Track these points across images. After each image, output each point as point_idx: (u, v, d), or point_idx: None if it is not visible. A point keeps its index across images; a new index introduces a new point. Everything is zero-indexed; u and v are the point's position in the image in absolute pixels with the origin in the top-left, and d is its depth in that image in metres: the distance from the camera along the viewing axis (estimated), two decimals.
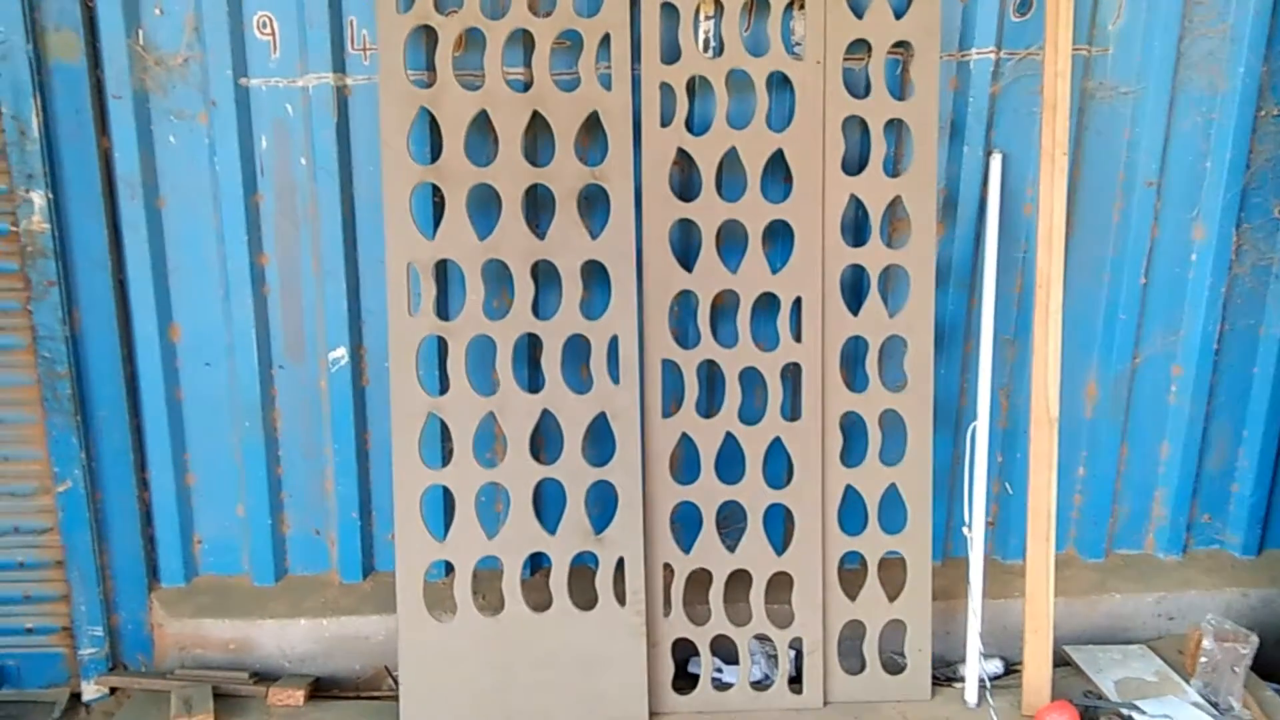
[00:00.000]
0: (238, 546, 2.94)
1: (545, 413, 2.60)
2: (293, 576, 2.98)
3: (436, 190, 2.58)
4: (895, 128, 2.70)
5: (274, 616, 2.83)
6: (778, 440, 2.68)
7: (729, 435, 2.67)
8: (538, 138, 2.65)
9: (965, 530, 2.74)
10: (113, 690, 2.80)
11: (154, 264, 2.68)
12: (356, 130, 2.69)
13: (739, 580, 2.70)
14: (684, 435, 2.67)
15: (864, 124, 2.64)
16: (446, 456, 2.63)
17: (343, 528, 2.92)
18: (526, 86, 2.57)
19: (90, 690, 2.79)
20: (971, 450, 2.72)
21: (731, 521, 2.73)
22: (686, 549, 2.69)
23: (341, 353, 2.78)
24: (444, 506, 2.75)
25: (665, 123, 2.58)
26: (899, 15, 2.59)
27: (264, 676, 2.79)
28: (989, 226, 2.73)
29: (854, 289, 2.78)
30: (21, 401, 2.66)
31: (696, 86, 2.66)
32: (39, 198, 2.54)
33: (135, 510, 2.80)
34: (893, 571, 2.75)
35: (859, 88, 2.67)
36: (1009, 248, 2.84)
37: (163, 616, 2.82)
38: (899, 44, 2.64)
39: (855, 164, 2.68)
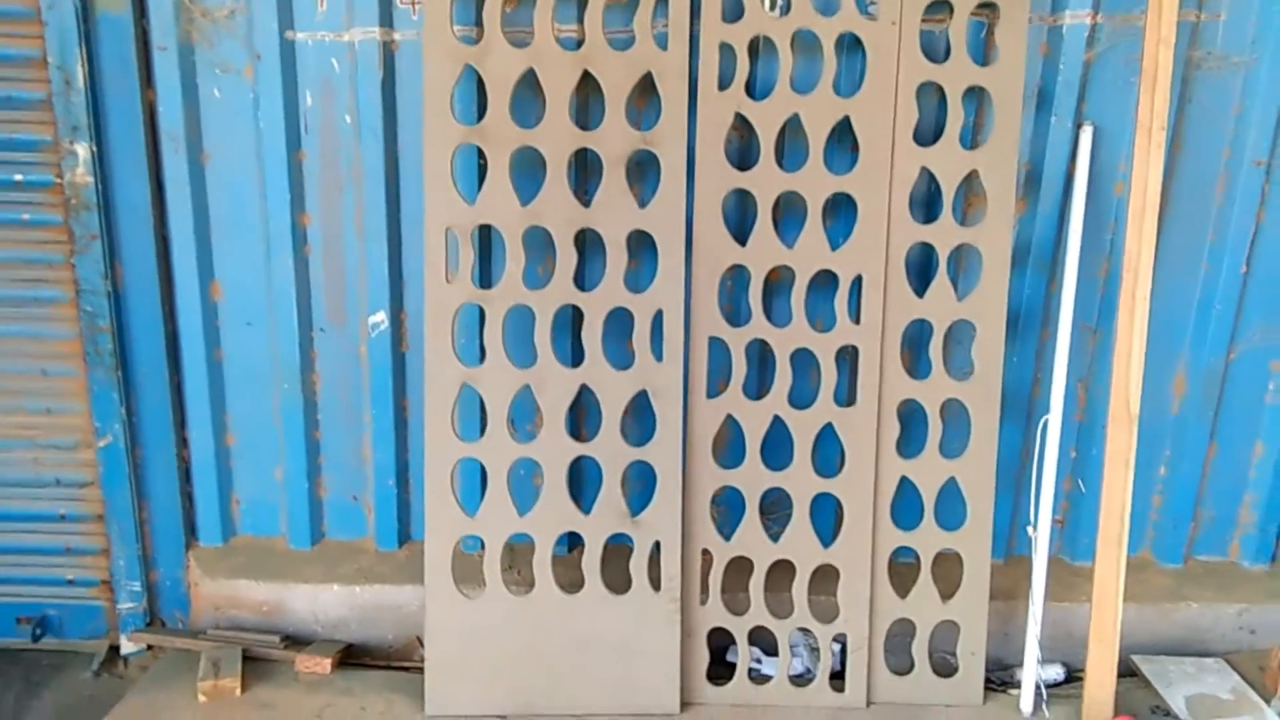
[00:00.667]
0: (275, 508, 2.93)
1: (584, 388, 2.50)
2: (329, 541, 2.96)
3: (482, 153, 2.47)
4: (975, 96, 2.52)
5: (308, 581, 2.81)
6: (829, 426, 2.54)
7: (777, 419, 2.54)
8: (588, 99, 2.53)
9: (1030, 529, 2.58)
10: (149, 646, 2.81)
11: (196, 220, 2.66)
12: (403, 88, 2.61)
13: (781, 570, 2.58)
14: (729, 417, 2.54)
15: (941, 91, 2.46)
16: (484, 428, 2.55)
17: (379, 495, 2.88)
18: (578, 44, 2.44)
19: (128, 644, 2.82)
20: (1042, 444, 2.56)
21: (776, 509, 2.61)
22: (727, 535, 2.57)
23: (381, 317, 2.72)
24: (480, 479, 2.67)
25: (724, 85, 2.43)
26: None
27: (296, 640, 2.78)
28: (1075, 205, 2.55)
29: (921, 269, 2.61)
30: (63, 355, 2.68)
31: (759, 47, 2.50)
32: (83, 150, 2.53)
33: (175, 468, 2.80)
34: (948, 568, 2.60)
35: (937, 52, 2.49)
36: (1096, 229, 2.64)
37: (199, 575, 2.83)
38: (984, 5, 2.44)
39: (929, 134, 2.50)
